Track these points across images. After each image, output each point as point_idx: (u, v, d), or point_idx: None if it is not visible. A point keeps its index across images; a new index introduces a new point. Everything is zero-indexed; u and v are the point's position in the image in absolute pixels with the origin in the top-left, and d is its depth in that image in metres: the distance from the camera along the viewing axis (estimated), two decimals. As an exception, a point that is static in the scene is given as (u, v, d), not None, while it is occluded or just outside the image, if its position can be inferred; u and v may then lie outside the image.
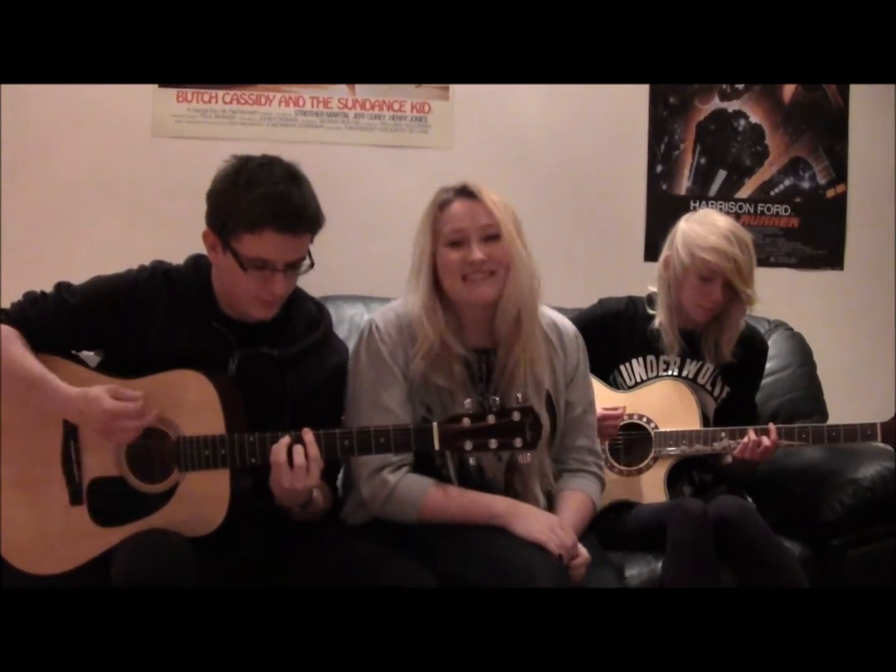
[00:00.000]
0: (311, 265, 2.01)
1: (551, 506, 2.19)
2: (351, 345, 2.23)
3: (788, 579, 2.26)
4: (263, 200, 1.91)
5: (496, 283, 2.10)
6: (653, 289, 2.65)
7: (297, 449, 1.89)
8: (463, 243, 2.09)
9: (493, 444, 1.87)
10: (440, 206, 2.13)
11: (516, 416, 1.87)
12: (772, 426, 2.48)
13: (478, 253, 2.08)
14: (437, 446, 1.89)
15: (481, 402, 2.13)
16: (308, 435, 1.91)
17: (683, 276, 2.53)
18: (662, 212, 3.27)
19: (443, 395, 2.11)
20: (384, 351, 2.12)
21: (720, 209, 3.28)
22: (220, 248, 1.98)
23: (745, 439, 2.46)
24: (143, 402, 1.92)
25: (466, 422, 1.88)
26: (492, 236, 2.09)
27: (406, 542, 2.06)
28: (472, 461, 1.97)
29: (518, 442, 1.87)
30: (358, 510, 2.17)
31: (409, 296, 2.16)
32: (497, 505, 2.07)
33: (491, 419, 1.87)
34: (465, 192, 2.12)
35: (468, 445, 1.88)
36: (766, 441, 2.46)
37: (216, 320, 2.02)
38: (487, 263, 2.09)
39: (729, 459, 2.54)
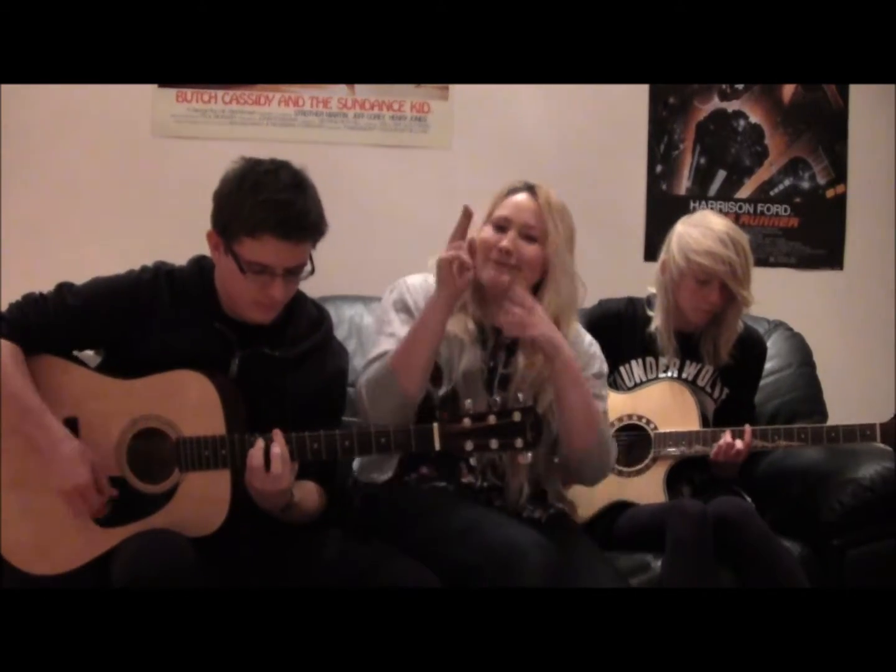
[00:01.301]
0: (312, 271, 2.01)
1: (544, 499, 2.24)
2: (350, 346, 2.25)
3: (788, 579, 2.27)
4: (266, 206, 1.92)
5: (514, 278, 2.13)
6: (652, 290, 2.65)
7: (273, 452, 1.89)
8: (503, 230, 2.17)
9: (493, 444, 1.87)
10: (509, 191, 2.22)
11: (517, 417, 1.86)
12: (747, 427, 2.48)
13: (507, 242, 2.14)
14: (437, 446, 1.89)
15: (488, 378, 2.17)
16: (277, 435, 1.90)
17: (680, 279, 2.54)
18: (662, 212, 3.27)
19: (451, 342, 2.15)
20: (408, 299, 2.20)
21: (720, 209, 3.29)
22: (222, 249, 1.98)
23: (721, 442, 2.46)
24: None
25: (467, 422, 1.87)
26: (530, 237, 2.16)
27: (398, 528, 2.09)
28: (472, 461, 1.97)
29: (519, 442, 1.86)
30: (366, 467, 2.24)
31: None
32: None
33: (492, 419, 1.87)
34: (531, 189, 2.21)
35: (469, 446, 1.87)
36: (738, 444, 2.45)
37: (219, 321, 2.02)
38: (513, 257, 2.14)
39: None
